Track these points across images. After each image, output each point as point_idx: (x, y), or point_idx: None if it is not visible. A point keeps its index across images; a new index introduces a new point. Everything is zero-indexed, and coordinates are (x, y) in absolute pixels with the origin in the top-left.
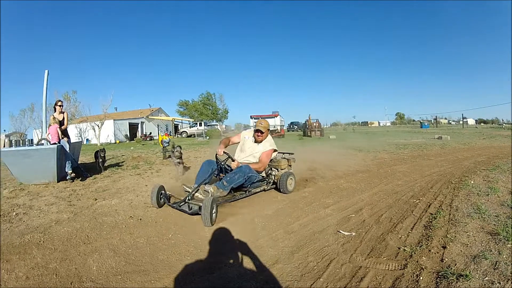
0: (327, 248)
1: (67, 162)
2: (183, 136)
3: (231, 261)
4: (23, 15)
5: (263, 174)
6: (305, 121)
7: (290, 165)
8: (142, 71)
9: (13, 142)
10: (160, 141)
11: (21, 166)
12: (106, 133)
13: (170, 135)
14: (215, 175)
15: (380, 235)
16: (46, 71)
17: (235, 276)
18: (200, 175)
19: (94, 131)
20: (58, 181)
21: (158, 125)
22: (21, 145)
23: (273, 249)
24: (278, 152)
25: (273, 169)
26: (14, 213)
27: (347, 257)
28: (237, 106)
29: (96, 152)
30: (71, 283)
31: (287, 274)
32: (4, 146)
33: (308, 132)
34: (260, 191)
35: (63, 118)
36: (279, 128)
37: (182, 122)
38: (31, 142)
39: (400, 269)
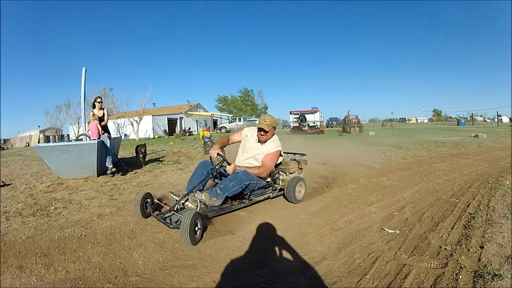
0: (373, 245)
1: (108, 157)
2: (223, 131)
3: (279, 256)
4: (60, 14)
5: (268, 179)
6: (344, 117)
7: (301, 169)
8: (180, 68)
9: (51, 137)
10: (201, 137)
11: (60, 161)
12: (144, 128)
13: (211, 130)
14: (212, 179)
15: (423, 234)
16: (84, 69)
17: (284, 272)
18: (192, 179)
19: (133, 126)
20: (97, 176)
21: (197, 121)
22: (59, 140)
23: (320, 246)
24: (288, 153)
25: (280, 173)
26: (53, 207)
27: (392, 255)
28: (277, 102)
29: (137, 147)
30: (115, 277)
31: (334, 270)
32: (38, 142)
33: (348, 128)
34: (264, 199)
35: (103, 114)
36: (318, 124)
37: (221, 118)
38: (68, 137)
39: (441, 268)
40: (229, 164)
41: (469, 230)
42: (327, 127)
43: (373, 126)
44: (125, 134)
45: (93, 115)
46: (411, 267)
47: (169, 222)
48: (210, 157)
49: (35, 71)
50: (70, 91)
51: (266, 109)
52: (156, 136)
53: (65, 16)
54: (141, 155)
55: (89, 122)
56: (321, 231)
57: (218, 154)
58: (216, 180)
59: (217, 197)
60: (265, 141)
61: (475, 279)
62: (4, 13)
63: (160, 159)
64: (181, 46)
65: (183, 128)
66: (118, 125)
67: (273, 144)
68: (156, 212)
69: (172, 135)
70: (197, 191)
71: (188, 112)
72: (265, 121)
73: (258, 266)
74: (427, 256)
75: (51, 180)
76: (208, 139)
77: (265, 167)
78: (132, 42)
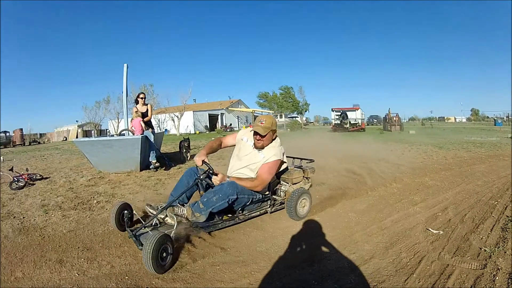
0: (418, 245)
1: (152, 152)
2: None
3: (329, 254)
4: (98, 12)
5: (267, 191)
6: (385, 115)
7: (307, 178)
8: (222, 66)
9: (92, 132)
10: None
11: (102, 155)
12: (185, 123)
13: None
14: (199, 191)
15: (464, 235)
16: (125, 65)
17: (334, 269)
18: (175, 190)
19: (173, 122)
20: (140, 170)
21: (238, 117)
22: (99, 135)
23: (368, 244)
24: (294, 158)
25: (282, 183)
26: (95, 201)
27: (436, 255)
28: (319, 99)
29: (181, 142)
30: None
31: (383, 269)
32: (77, 136)
33: (389, 126)
34: (260, 214)
35: (147, 110)
36: (359, 121)
37: (262, 114)
38: (109, 132)
39: (480, 269)
40: (215, 174)
41: (507, 233)
42: (368, 124)
43: (412, 125)
44: (166, 129)
45: (136, 111)
46: (454, 268)
47: (138, 241)
48: (196, 165)
49: (73, 68)
50: (109, 87)
51: (308, 106)
52: (198, 132)
53: (104, 14)
54: (184, 150)
55: (132, 119)
56: (368, 229)
57: (203, 161)
58: (202, 192)
59: (200, 213)
60: (262, 147)
61: (509, 281)
62: (41, 10)
63: None
64: (223, 43)
65: (224, 124)
66: (159, 120)
67: (272, 152)
68: (138, 225)
69: (214, 130)
70: (177, 205)
71: (229, 108)
72: (261, 123)
73: (309, 264)
74: (468, 257)
75: (92, 174)
76: None
77: (260, 179)
78: (174, 39)
